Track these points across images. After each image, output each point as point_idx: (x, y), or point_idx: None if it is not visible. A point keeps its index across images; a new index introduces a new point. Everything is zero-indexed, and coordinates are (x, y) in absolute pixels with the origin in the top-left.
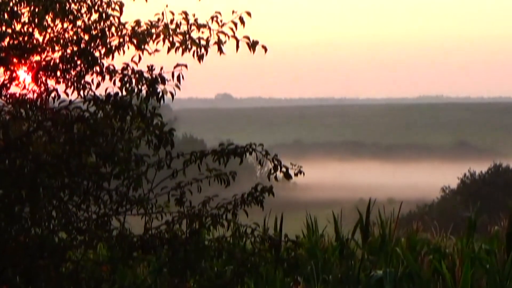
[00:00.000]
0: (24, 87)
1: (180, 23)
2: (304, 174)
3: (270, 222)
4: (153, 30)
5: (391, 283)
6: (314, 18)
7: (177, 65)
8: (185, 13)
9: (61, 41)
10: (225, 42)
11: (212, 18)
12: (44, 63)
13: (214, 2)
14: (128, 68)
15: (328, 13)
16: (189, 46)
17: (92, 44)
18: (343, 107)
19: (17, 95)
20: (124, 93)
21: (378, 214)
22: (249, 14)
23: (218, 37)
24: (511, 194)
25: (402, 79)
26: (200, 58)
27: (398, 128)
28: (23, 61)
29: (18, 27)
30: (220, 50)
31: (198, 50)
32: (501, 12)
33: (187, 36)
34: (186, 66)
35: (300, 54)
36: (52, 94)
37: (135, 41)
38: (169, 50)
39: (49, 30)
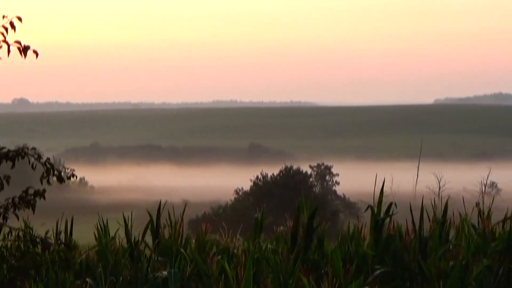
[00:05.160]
0: None
1: None
2: (77, 177)
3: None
4: None
5: (176, 283)
6: (103, 21)
7: None
8: None
9: None
10: (0, 47)
11: None
12: None
13: None
14: None
15: (120, 16)
16: None
17: None
18: (140, 111)
19: None
20: None
21: (168, 217)
22: (19, 19)
23: None
24: (300, 195)
25: (197, 83)
26: None
27: (194, 132)
28: None
29: None
30: None
31: None
32: (289, 17)
33: None
34: None
35: (94, 57)
36: None
37: None
38: None
39: None
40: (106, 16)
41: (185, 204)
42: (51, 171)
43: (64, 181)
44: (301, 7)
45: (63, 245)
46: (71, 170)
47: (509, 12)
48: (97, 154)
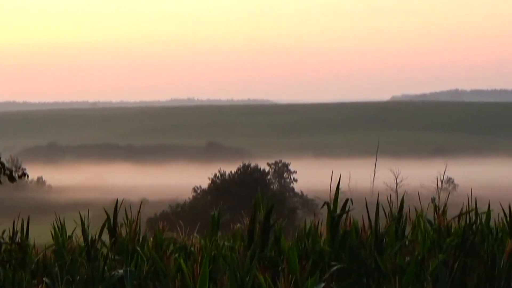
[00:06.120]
0: None
1: None
2: (28, 176)
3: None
4: None
5: (132, 281)
6: (59, 19)
7: None
8: None
9: None
10: None
11: None
12: None
13: None
14: None
15: (76, 14)
16: None
17: None
18: (98, 110)
19: None
20: None
21: (125, 215)
22: None
23: None
24: (257, 192)
25: (154, 82)
26: None
27: (151, 130)
28: None
29: None
30: None
31: None
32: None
33: None
34: None
35: (51, 56)
36: None
37: None
38: None
39: None
40: (62, 14)
41: (141, 202)
42: (2, 170)
43: (15, 180)
44: (258, 5)
45: (15, 245)
46: (22, 169)
47: (465, 10)
48: (55, 154)
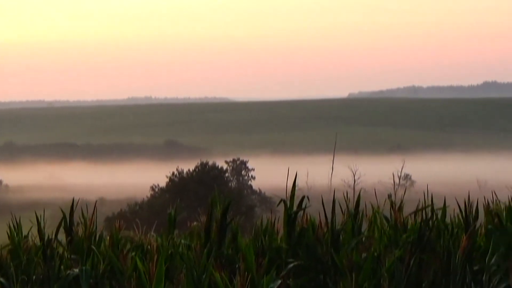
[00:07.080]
0: None
1: None
2: None
3: None
4: None
5: (88, 280)
6: (9, 18)
7: None
8: None
9: None
10: None
11: None
12: None
13: None
14: None
15: (28, 13)
16: None
17: None
18: (55, 109)
19: None
20: None
21: (82, 214)
22: None
23: None
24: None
25: (111, 81)
26: None
27: (109, 129)
28: None
29: None
30: None
31: None
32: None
33: None
34: None
35: (5, 56)
36: None
37: None
38: None
39: None
40: (16, 13)
41: (96, 201)
42: None
43: None
44: (216, 4)
45: None
46: None
47: (420, 8)
48: (11, 153)
